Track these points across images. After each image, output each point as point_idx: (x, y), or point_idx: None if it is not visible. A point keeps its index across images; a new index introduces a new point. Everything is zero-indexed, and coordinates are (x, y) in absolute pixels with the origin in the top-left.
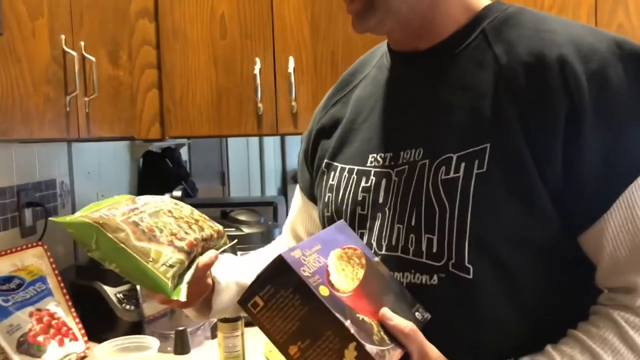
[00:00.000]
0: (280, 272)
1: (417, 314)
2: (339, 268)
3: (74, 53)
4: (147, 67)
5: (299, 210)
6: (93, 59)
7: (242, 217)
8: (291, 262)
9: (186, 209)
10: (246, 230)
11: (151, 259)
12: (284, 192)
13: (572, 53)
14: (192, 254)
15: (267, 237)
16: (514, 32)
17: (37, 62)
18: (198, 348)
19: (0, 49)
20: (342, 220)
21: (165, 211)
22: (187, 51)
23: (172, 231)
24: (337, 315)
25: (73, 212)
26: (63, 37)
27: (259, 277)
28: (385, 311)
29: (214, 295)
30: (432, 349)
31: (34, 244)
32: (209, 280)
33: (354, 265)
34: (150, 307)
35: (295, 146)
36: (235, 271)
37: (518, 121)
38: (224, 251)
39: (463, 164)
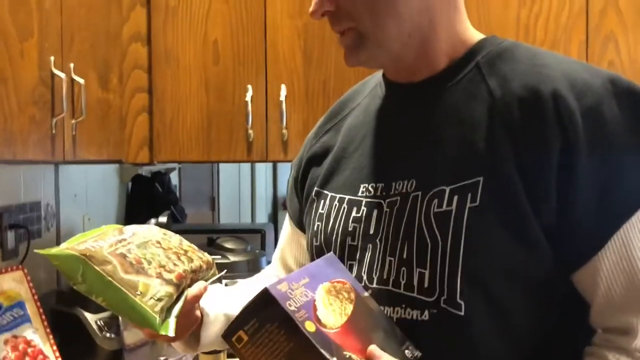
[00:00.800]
0: (265, 305)
1: (406, 351)
2: (327, 303)
3: (63, 75)
4: (137, 90)
5: (288, 239)
6: (82, 81)
7: (228, 245)
8: (277, 295)
9: (175, 239)
10: (232, 258)
11: (139, 293)
12: (275, 219)
13: (566, 88)
14: (180, 286)
15: (253, 266)
16: (508, 66)
17: (24, 83)
18: None
19: None
20: (332, 252)
21: (154, 242)
22: (178, 76)
23: (160, 263)
24: (323, 352)
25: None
26: (52, 58)
27: (243, 310)
28: (374, 349)
29: (202, 328)
30: None
31: (14, 268)
32: (198, 313)
33: (342, 300)
34: (131, 335)
35: (287, 173)
36: (224, 302)
37: (512, 155)
38: (212, 282)
39: (456, 197)
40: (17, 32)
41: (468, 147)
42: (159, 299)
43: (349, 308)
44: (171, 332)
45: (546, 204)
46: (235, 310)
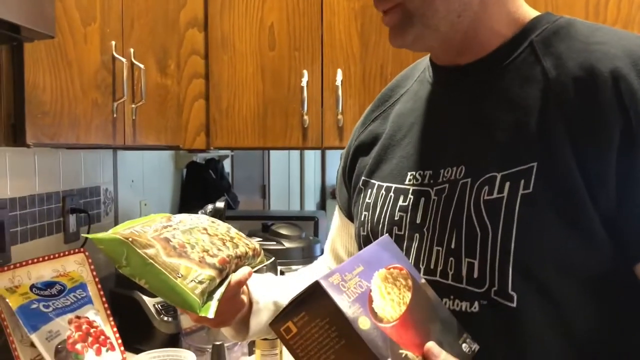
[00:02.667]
0: (316, 299)
1: (464, 345)
2: (384, 292)
3: (124, 60)
4: (194, 76)
5: (338, 229)
6: (142, 66)
7: (283, 231)
8: (329, 289)
9: (222, 227)
10: (287, 244)
11: (180, 275)
12: (323, 207)
13: (627, 66)
14: (224, 271)
15: (308, 252)
16: (563, 44)
17: (87, 67)
18: None
19: (51, 53)
20: (387, 235)
21: (200, 229)
22: (235, 62)
23: (204, 247)
24: (376, 354)
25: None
26: (113, 43)
27: (294, 301)
28: (432, 346)
29: (252, 315)
30: None
31: (76, 251)
32: (244, 298)
33: (400, 287)
34: (188, 320)
35: (336, 162)
36: (274, 291)
37: (568, 139)
38: (262, 270)
39: (507, 184)
40: (80, 17)
41: (521, 131)
42: (200, 282)
43: (407, 296)
44: (211, 314)
45: (605, 191)
46: (284, 299)
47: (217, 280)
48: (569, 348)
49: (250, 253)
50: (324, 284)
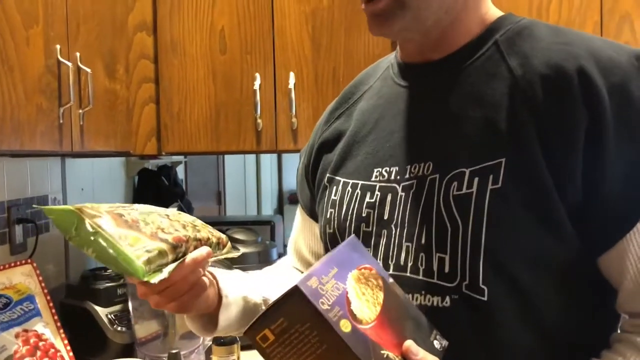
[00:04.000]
0: (295, 304)
1: (435, 342)
2: (359, 293)
3: (69, 64)
4: (144, 81)
5: (300, 228)
6: (89, 70)
7: (238, 236)
8: (308, 293)
9: (187, 217)
10: (243, 249)
11: (128, 243)
12: (281, 212)
13: (592, 66)
14: (178, 248)
15: (264, 257)
16: (528, 44)
17: (31, 72)
18: None
19: None
20: (354, 235)
21: (162, 214)
22: (185, 65)
23: (159, 226)
24: (360, 357)
25: None
26: (58, 46)
27: (271, 307)
28: (410, 345)
29: (221, 309)
30: None
31: (23, 262)
32: (211, 290)
33: (372, 287)
34: (143, 329)
35: (293, 167)
36: (244, 286)
37: (535, 134)
38: (227, 261)
39: (476, 179)
40: (22, 19)
41: (489, 127)
42: (148, 251)
43: (380, 296)
44: (155, 281)
45: (572, 184)
46: (254, 294)
47: (170, 256)
48: (539, 340)
49: (214, 241)
50: (302, 288)
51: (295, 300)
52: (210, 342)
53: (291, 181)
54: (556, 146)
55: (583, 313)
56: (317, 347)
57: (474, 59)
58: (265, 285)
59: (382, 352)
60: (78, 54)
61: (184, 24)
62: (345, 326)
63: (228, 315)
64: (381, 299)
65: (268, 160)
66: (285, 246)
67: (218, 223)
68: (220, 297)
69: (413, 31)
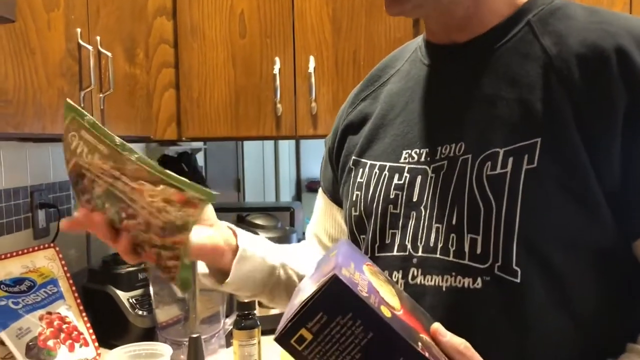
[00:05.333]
0: (335, 294)
1: None
2: (378, 284)
3: (90, 47)
4: (164, 65)
5: (321, 213)
6: (109, 54)
7: (258, 221)
8: (347, 282)
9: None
10: (263, 234)
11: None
12: (299, 199)
13: (631, 44)
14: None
15: (284, 242)
16: (562, 23)
17: (52, 55)
18: (212, 356)
19: (13, 40)
20: (345, 238)
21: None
22: (205, 50)
23: None
24: (406, 338)
25: None
26: (79, 30)
27: (305, 304)
28: (438, 327)
29: (236, 260)
30: None
31: (46, 246)
32: (224, 234)
33: (382, 281)
34: (164, 313)
35: (311, 154)
36: (264, 247)
37: (572, 114)
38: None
39: (511, 159)
40: (43, 2)
41: (523, 107)
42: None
43: (391, 289)
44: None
45: (609, 166)
46: (273, 259)
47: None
48: (572, 325)
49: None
50: (341, 277)
51: (335, 290)
52: (231, 327)
53: (309, 169)
54: (594, 126)
55: (622, 299)
56: (362, 338)
57: (506, 40)
58: (287, 253)
59: (421, 335)
60: (98, 38)
61: (203, 8)
62: (386, 312)
63: (241, 267)
64: (394, 291)
65: (286, 148)
66: (304, 232)
67: (237, 209)
68: (237, 247)
69: (428, 9)
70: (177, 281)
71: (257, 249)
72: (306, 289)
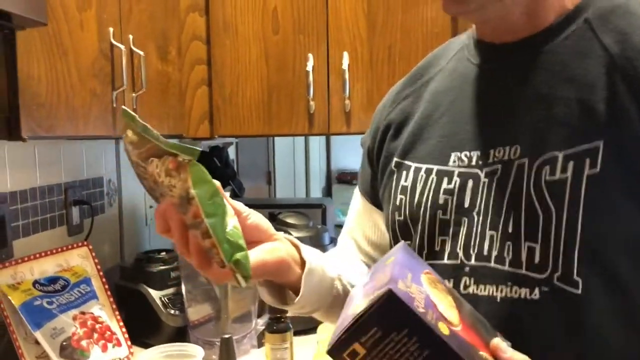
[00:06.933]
0: (390, 310)
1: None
2: (437, 296)
3: (122, 47)
4: (196, 62)
5: (358, 216)
6: (142, 53)
7: (290, 220)
8: (403, 297)
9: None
10: (295, 233)
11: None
12: (329, 193)
13: None
14: None
15: (316, 241)
16: (624, 20)
17: (84, 56)
18: (244, 357)
19: (46, 42)
20: (403, 241)
21: None
22: (237, 47)
23: None
24: (466, 358)
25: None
26: (111, 29)
27: (359, 317)
28: (499, 343)
29: (305, 273)
30: None
31: (80, 244)
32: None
33: (441, 291)
34: (195, 312)
35: (341, 147)
36: (320, 257)
37: (637, 116)
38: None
39: (571, 164)
40: (75, 3)
41: (583, 108)
42: None
43: (451, 299)
44: None
45: None
46: (331, 269)
47: None
48: (635, 337)
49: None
50: (397, 291)
51: (390, 305)
52: (263, 327)
53: (340, 161)
54: None
55: None
56: (418, 355)
57: (562, 37)
58: (339, 263)
59: (481, 353)
60: (131, 37)
61: (236, 4)
62: (444, 329)
63: (311, 280)
64: (454, 303)
65: (317, 141)
66: (335, 226)
67: (268, 206)
68: (302, 260)
69: (491, 9)
70: (228, 267)
71: (319, 261)
72: (360, 301)
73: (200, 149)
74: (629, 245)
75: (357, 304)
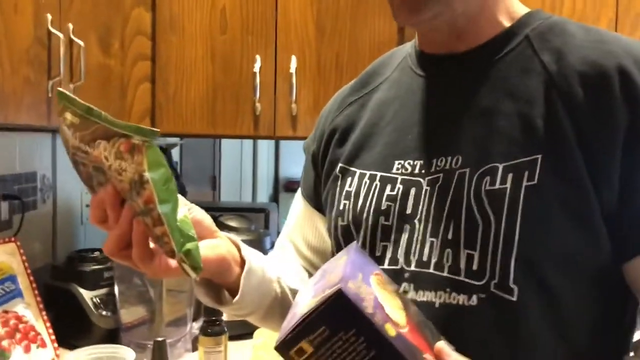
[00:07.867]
0: (339, 309)
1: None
2: (385, 298)
3: (61, 35)
4: (140, 58)
5: (299, 220)
6: (82, 43)
7: (232, 223)
8: (353, 297)
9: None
10: (235, 237)
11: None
12: (276, 199)
13: (631, 64)
14: None
15: (257, 245)
16: (560, 40)
17: (18, 41)
18: None
19: None
20: (355, 242)
21: None
22: (184, 44)
23: None
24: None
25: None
26: (49, 16)
27: (307, 316)
28: (443, 346)
29: (245, 273)
30: None
31: (6, 240)
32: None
33: (390, 293)
34: (128, 314)
35: (290, 153)
36: (262, 260)
37: (573, 132)
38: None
39: (510, 175)
40: None
41: (523, 122)
42: None
43: (399, 301)
44: None
45: (609, 186)
46: (272, 272)
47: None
48: (565, 346)
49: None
50: (346, 291)
51: (339, 305)
52: (197, 331)
53: (288, 169)
54: (595, 145)
55: (614, 321)
56: (364, 355)
57: (505, 52)
58: (278, 266)
59: (424, 355)
60: (71, 26)
61: (184, 1)
62: (390, 330)
63: (249, 282)
64: (402, 305)
65: (265, 146)
66: (278, 233)
67: (212, 209)
68: (242, 259)
69: (444, 18)
70: (178, 257)
71: (259, 261)
72: (309, 299)
73: (159, 130)
74: (562, 255)
75: (306, 303)
